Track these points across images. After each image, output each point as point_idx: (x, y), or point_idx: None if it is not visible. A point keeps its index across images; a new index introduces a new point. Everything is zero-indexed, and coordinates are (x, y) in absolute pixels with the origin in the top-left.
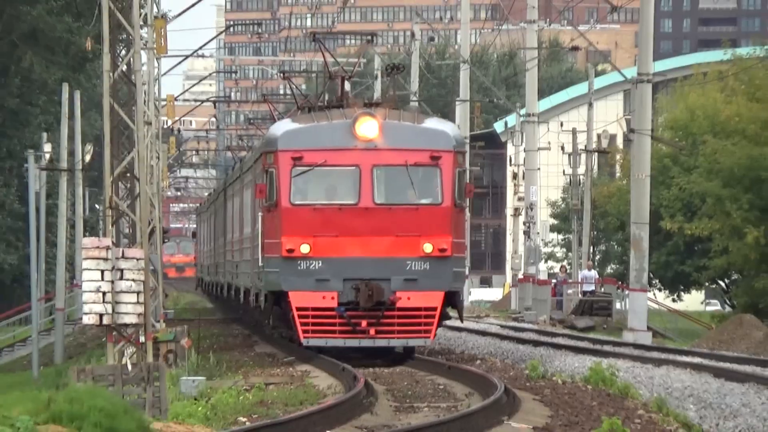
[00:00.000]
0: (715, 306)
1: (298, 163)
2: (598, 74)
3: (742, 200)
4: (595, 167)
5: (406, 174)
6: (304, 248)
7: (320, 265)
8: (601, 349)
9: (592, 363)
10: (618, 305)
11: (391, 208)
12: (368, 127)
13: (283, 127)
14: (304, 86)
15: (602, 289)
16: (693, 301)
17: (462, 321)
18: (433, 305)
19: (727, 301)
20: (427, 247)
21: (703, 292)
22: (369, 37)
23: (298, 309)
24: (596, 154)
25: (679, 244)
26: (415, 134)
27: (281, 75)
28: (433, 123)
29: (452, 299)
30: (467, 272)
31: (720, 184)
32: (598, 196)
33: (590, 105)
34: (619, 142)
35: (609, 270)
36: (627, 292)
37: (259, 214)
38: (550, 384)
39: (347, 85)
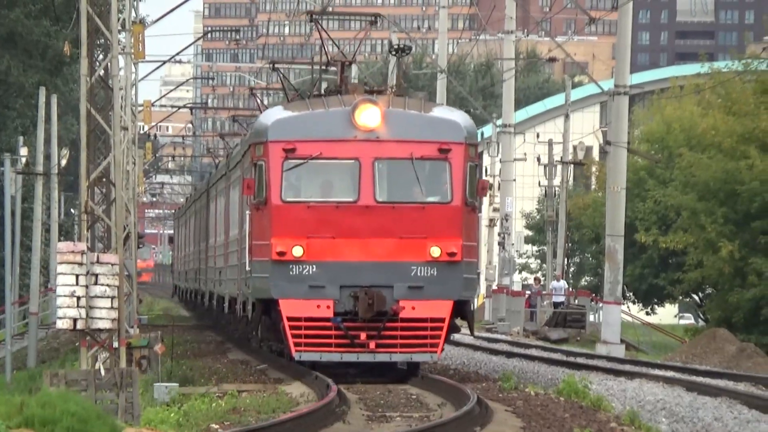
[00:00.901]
0: (688, 320)
1: (290, 156)
2: (575, 86)
3: (717, 214)
4: (571, 179)
5: (411, 168)
6: (297, 251)
7: (314, 269)
8: (574, 362)
9: (565, 375)
10: (591, 317)
11: (395, 206)
12: (369, 116)
13: (273, 115)
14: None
15: (575, 301)
16: (666, 314)
17: (473, 334)
18: (440, 316)
19: (701, 315)
20: (435, 251)
21: (677, 305)
22: (372, 18)
23: (289, 319)
24: (572, 165)
25: (653, 257)
26: (422, 124)
27: (270, 66)
28: (443, 111)
29: (462, 310)
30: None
31: (695, 198)
32: (573, 207)
33: (567, 116)
34: (595, 154)
35: (583, 282)
36: (601, 304)
37: (247, 212)
38: (522, 395)
39: (354, 70)
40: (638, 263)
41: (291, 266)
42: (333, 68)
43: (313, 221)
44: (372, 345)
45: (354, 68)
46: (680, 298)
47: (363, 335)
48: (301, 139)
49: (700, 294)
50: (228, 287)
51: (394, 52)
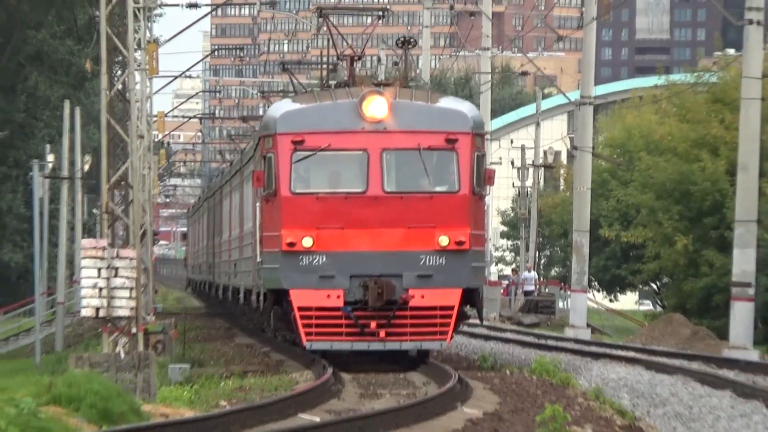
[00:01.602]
0: (647, 306)
1: (299, 148)
2: (545, 97)
3: (673, 211)
4: (542, 180)
5: (418, 159)
6: (307, 242)
7: (324, 260)
8: (545, 344)
9: (537, 356)
10: (560, 304)
11: (403, 196)
12: (377, 107)
13: (282, 107)
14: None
15: (546, 290)
16: (628, 301)
17: (482, 322)
18: (449, 304)
19: (659, 302)
20: (443, 240)
21: (637, 293)
22: (380, 13)
23: (300, 309)
24: (542, 168)
25: (615, 250)
26: (429, 115)
27: (281, 67)
28: (449, 102)
29: (471, 297)
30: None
31: (653, 197)
32: (543, 206)
33: (537, 124)
34: (563, 158)
35: (553, 273)
36: (569, 292)
37: (258, 204)
38: (499, 375)
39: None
40: (602, 255)
41: (301, 257)
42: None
43: (322, 212)
44: (382, 333)
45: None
46: (640, 286)
47: (373, 324)
48: (310, 131)
49: (657, 283)
50: (243, 279)
51: (401, 45)
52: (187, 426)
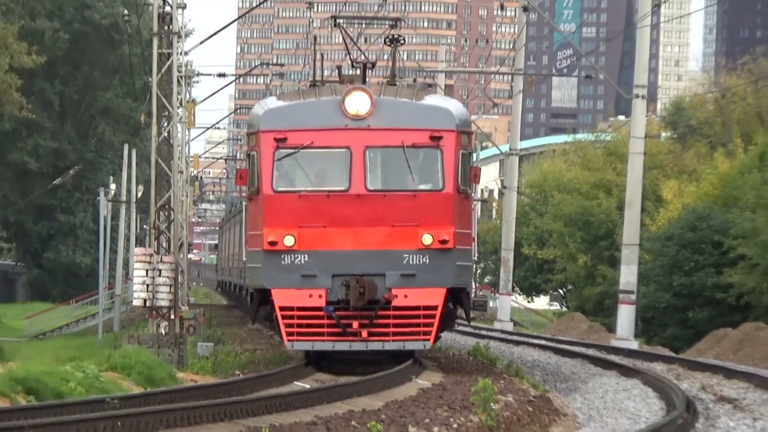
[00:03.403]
0: (555, 306)
1: (281, 145)
2: (483, 148)
3: (576, 236)
4: (479, 211)
5: (402, 156)
6: (288, 240)
7: (306, 259)
8: (479, 333)
9: (473, 342)
10: (491, 304)
11: (386, 194)
12: (359, 104)
13: (266, 105)
14: None
15: (480, 293)
16: (541, 302)
17: (469, 322)
18: (433, 303)
19: (564, 303)
20: (427, 239)
21: (548, 296)
22: (393, 22)
23: (281, 309)
24: (480, 202)
25: (533, 263)
26: (413, 112)
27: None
28: (435, 100)
29: (458, 297)
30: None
31: (562, 225)
32: (480, 230)
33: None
34: (496, 194)
35: (486, 280)
36: (497, 295)
37: (244, 203)
38: (444, 355)
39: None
40: (523, 268)
41: (283, 256)
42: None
43: (304, 210)
44: (364, 333)
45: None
46: (551, 291)
47: (355, 324)
48: (293, 128)
49: (563, 289)
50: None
51: (388, 43)
52: (211, 389)
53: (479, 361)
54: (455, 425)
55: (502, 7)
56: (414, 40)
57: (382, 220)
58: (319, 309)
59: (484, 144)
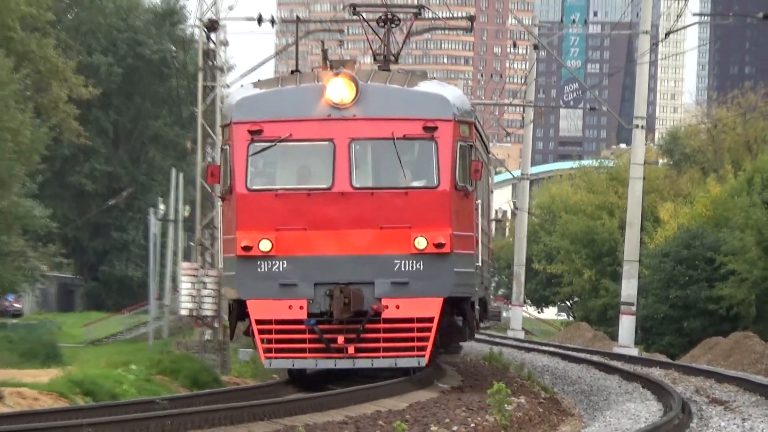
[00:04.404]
0: (563, 316)
1: (256, 138)
2: (497, 173)
3: (582, 253)
4: (494, 230)
5: (392, 149)
6: (264, 245)
7: (285, 266)
8: (493, 340)
9: (488, 349)
10: (505, 314)
11: (374, 192)
12: (344, 91)
13: (240, 93)
14: None
15: (495, 304)
16: (550, 313)
17: (471, 337)
18: (428, 315)
19: (571, 314)
20: (420, 242)
21: (557, 307)
22: (417, 11)
23: (258, 322)
24: (495, 221)
25: (542, 278)
26: (405, 99)
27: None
28: (429, 86)
29: (460, 308)
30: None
31: (569, 242)
32: (494, 247)
33: (490, 191)
34: (509, 215)
35: (500, 292)
36: (510, 306)
37: (219, 205)
38: (462, 360)
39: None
40: (533, 281)
41: (259, 262)
42: None
43: (282, 211)
44: (351, 349)
45: None
46: (558, 303)
47: (340, 339)
48: (269, 119)
49: (570, 301)
50: None
51: (382, 24)
52: (251, 391)
53: (494, 366)
54: (473, 424)
55: (514, 45)
56: (435, 74)
57: (369, 222)
58: (300, 322)
59: (498, 169)
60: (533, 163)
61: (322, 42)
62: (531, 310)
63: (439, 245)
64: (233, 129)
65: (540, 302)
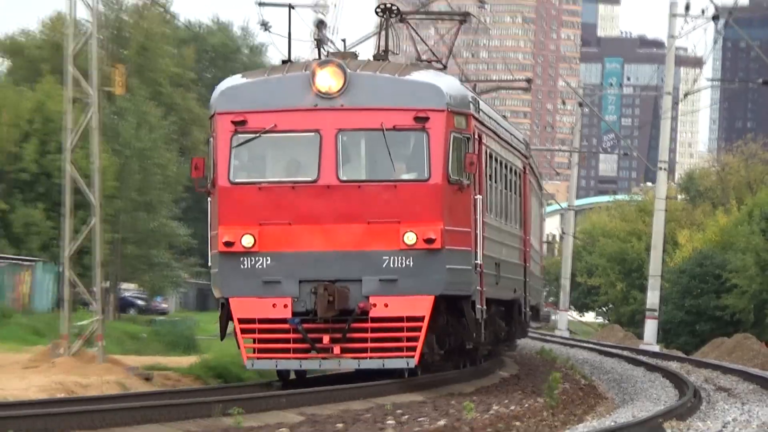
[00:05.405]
0: (600, 320)
1: (240, 129)
2: (548, 205)
3: (615, 269)
4: (546, 250)
5: (381, 140)
6: (247, 241)
7: (268, 262)
8: (544, 338)
9: (540, 345)
10: (553, 317)
11: (362, 186)
12: (331, 79)
13: (225, 83)
14: None
15: (546, 309)
16: (590, 316)
17: (470, 342)
18: (418, 314)
19: (607, 318)
20: (410, 238)
21: (595, 312)
22: (462, 17)
23: (240, 321)
24: (546, 243)
25: (584, 288)
26: (395, 88)
27: None
28: (422, 75)
29: (458, 308)
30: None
31: (605, 261)
32: (546, 263)
33: (543, 219)
34: (558, 238)
35: (550, 299)
36: (558, 311)
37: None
38: (520, 354)
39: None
40: (576, 291)
41: (241, 259)
42: None
43: (266, 205)
44: (336, 350)
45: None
46: (597, 309)
47: (326, 338)
48: (253, 109)
49: (606, 307)
50: None
51: (381, 13)
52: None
53: (544, 359)
54: (526, 405)
55: (563, 103)
56: None
57: (357, 216)
58: (284, 321)
59: (549, 201)
60: (577, 197)
61: (317, 31)
62: (574, 314)
63: (429, 240)
64: (216, 119)
65: (582, 308)
